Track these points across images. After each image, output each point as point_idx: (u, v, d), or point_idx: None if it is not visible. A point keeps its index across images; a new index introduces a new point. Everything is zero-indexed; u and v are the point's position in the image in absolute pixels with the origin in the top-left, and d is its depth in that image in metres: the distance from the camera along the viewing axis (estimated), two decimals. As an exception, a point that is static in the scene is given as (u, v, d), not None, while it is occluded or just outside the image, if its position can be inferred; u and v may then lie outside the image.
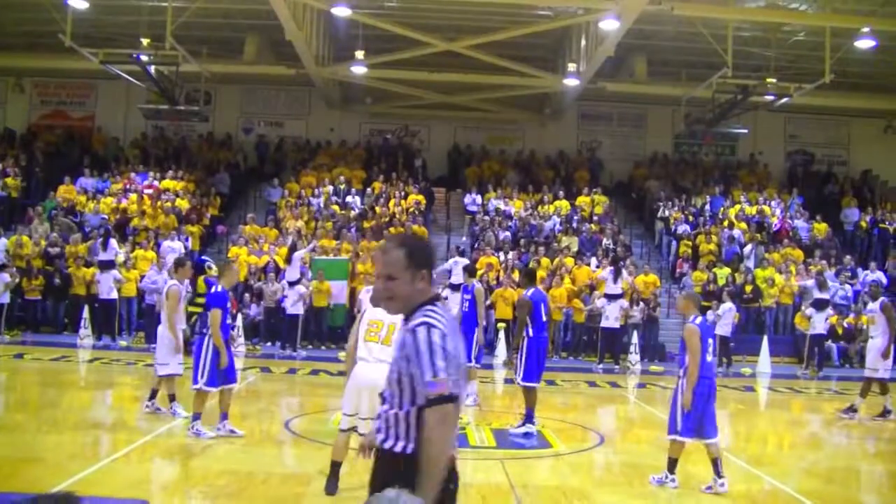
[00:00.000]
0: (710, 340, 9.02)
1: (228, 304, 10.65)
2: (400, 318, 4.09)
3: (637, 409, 16.17)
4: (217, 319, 10.24)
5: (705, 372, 8.72)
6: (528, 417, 11.64)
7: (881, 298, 14.97)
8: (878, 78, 28.78)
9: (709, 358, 8.83)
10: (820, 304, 21.64)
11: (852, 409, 14.46)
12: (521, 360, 11.75)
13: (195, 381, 10.33)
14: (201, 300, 20.95)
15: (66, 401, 13.61)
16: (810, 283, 22.94)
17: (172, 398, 11.61)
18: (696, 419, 8.68)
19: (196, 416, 10.31)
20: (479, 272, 21.39)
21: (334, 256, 23.43)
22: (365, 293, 12.19)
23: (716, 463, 8.70)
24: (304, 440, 10.78)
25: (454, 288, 20.66)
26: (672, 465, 8.90)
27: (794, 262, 25.17)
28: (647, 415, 15.02)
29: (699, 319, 8.92)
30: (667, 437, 8.96)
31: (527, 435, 11.46)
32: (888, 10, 22.29)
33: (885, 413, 14.31)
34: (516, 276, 21.17)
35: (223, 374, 10.33)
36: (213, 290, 10.57)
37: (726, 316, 21.01)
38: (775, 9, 23.58)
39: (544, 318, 12.01)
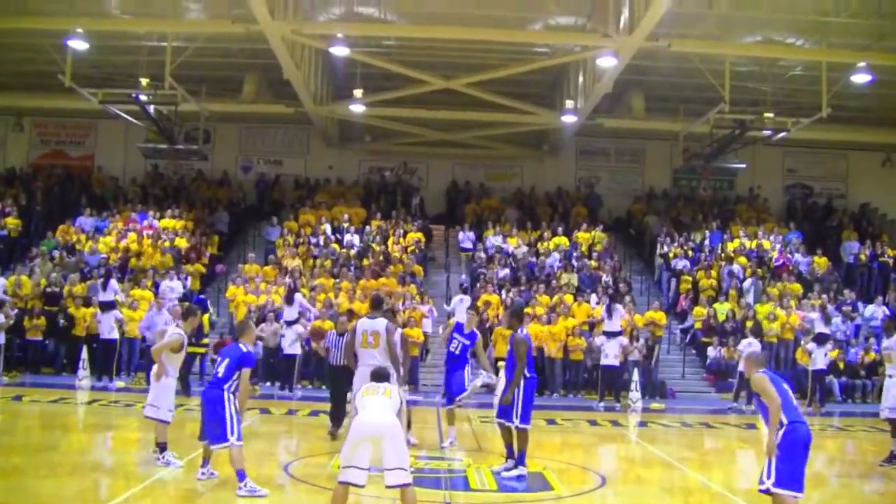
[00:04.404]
0: (786, 386, 8.59)
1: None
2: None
3: (639, 448, 16.02)
4: (247, 379, 10.01)
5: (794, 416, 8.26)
6: (521, 459, 11.44)
7: None
8: (875, 111, 28.93)
9: (793, 401, 8.35)
10: (821, 339, 21.54)
11: (894, 457, 13.39)
12: (518, 401, 11.30)
13: (224, 439, 9.67)
14: (206, 340, 21.03)
15: (65, 444, 13.47)
16: (815, 315, 22.85)
17: (164, 447, 11.08)
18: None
19: (242, 475, 9.55)
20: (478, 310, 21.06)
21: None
22: (360, 325, 12.23)
23: None
24: (303, 484, 10.65)
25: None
26: None
27: (795, 296, 25.09)
28: (648, 454, 14.87)
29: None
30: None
31: (519, 478, 11.28)
32: (883, 44, 22.44)
33: (892, 458, 13.39)
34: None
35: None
36: (244, 349, 10.08)
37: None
38: (771, 44, 23.72)
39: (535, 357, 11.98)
